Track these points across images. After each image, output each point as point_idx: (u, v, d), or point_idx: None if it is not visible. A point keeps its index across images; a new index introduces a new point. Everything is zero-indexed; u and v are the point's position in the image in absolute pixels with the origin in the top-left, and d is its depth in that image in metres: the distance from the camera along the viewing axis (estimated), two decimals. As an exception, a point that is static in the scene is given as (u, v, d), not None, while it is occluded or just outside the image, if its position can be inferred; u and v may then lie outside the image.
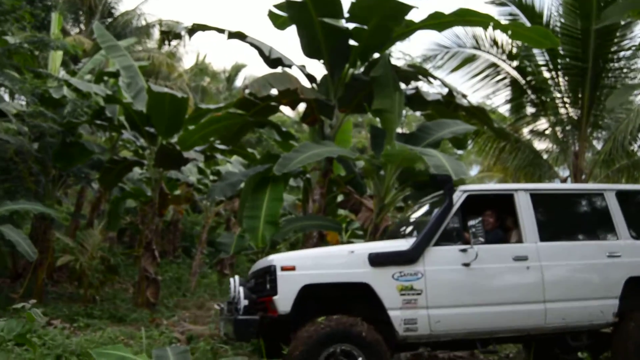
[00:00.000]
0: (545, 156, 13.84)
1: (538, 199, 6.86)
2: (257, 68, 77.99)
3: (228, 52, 69.30)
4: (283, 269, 5.99)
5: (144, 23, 23.89)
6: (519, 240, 6.67)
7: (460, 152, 18.12)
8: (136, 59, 19.10)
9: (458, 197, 6.55)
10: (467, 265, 6.27)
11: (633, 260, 6.79)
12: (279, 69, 10.74)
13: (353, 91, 10.63)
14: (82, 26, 23.60)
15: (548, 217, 6.91)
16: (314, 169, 11.02)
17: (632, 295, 6.71)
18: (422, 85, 12.43)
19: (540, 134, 14.04)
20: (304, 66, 11.09)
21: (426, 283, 6.11)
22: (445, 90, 11.37)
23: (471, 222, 6.32)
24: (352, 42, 10.18)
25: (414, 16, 14.99)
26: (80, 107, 12.74)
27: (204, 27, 10.45)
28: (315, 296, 6.09)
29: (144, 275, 12.44)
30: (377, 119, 10.26)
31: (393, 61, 11.05)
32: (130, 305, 12.42)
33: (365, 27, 9.75)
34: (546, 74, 12.68)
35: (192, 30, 10.47)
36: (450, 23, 10.19)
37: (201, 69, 29.95)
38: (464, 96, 11.36)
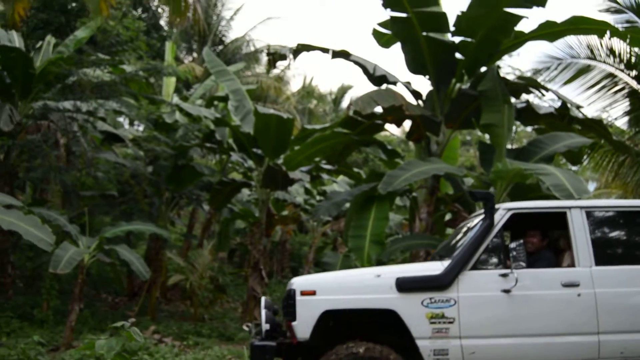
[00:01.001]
0: (669, 171, 12.85)
1: (595, 217, 6.08)
2: (363, 89, 78.14)
3: (335, 74, 69.99)
4: (303, 293, 5.68)
5: (252, 49, 24.58)
6: (572, 264, 5.93)
7: (574, 168, 17.21)
8: (245, 83, 19.61)
9: (501, 216, 5.92)
10: (507, 291, 5.65)
11: None
12: (384, 87, 10.61)
13: (460, 106, 10.33)
14: (195, 54, 24.58)
15: (606, 237, 6.17)
16: (421, 187, 10.75)
17: None
18: (534, 99, 11.92)
19: (663, 148, 13.06)
20: (409, 83, 10.91)
21: (459, 310, 5.59)
22: (558, 103, 10.82)
23: (512, 245, 5.71)
24: (458, 56, 9.91)
25: (523, 27, 14.48)
26: (192, 131, 13.21)
27: (308, 48, 10.51)
28: (341, 322, 5.76)
29: (251, 295, 12.58)
30: (486, 135, 9.89)
31: (502, 75, 10.66)
32: (239, 324, 12.58)
33: (472, 40, 9.46)
34: (669, 83, 11.82)
35: (297, 51, 10.55)
36: (563, 32, 9.70)
37: (308, 91, 30.39)
38: (579, 108, 10.75)
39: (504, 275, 5.68)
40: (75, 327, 10.15)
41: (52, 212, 10.85)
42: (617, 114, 13.28)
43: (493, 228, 5.83)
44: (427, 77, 10.35)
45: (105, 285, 15.62)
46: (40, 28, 18.13)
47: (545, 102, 13.94)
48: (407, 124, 11.16)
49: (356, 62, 10.59)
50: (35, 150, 12.03)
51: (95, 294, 14.71)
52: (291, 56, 10.63)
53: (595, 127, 10.78)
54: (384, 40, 11.23)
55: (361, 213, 10.01)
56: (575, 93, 13.86)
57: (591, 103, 12.94)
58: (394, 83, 10.62)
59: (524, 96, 11.23)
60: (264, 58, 24.55)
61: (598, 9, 12.21)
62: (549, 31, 9.52)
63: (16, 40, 13.94)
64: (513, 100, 10.30)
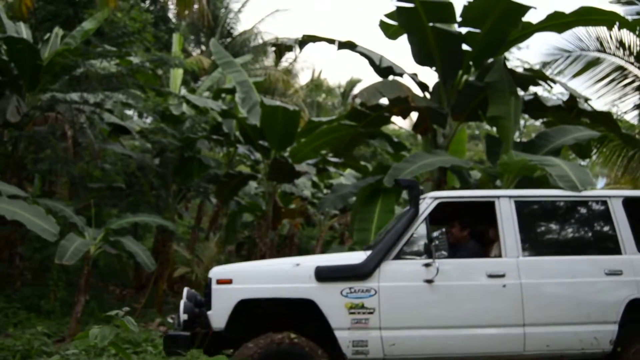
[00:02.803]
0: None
1: (524, 207, 5.93)
2: (371, 82, 77.94)
3: (343, 67, 69.80)
4: (219, 282, 5.51)
5: (260, 42, 24.53)
6: (499, 255, 5.77)
7: (583, 162, 17.06)
8: (253, 76, 19.58)
9: (427, 205, 5.78)
10: (429, 282, 5.50)
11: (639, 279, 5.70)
12: (390, 78, 10.55)
13: (467, 98, 10.24)
14: (203, 47, 24.56)
15: (535, 228, 5.97)
16: (427, 180, 10.70)
17: (635, 320, 5.68)
18: (542, 92, 11.82)
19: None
20: (415, 74, 10.83)
21: (380, 301, 5.43)
22: (566, 97, 10.71)
23: (435, 234, 5.53)
24: (465, 47, 9.82)
25: (531, 17, 14.36)
26: (198, 123, 13.19)
27: (314, 39, 10.45)
28: (261, 313, 5.61)
29: (258, 288, 12.55)
30: (493, 128, 9.80)
31: (509, 66, 10.56)
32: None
33: (479, 30, 9.36)
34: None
35: (303, 42, 10.49)
36: (571, 24, 9.60)
37: (317, 85, 30.32)
38: (587, 101, 10.64)
39: (427, 265, 5.54)
40: (82, 318, 10.17)
41: (58, 204, 10.86)
42: (626, 108, 13.12)
43: (418, 217, 5.71)
44: (434, 68, 10.26)
45: (113, 277, 15.65)
46: (48, 20, 18.16)
47: (553, 95, 13.84)
48: (415, 116, 11.10)
49: (362, 54, 10.52)
50: (42, 142, 12.05)
51: (103, 286, 14.74)
52: (297, 47, 10.58)
53: (604, 120, 10.67)
54: (390, 32, 11.15)
55: (367, 206, 9.96)
56: (584, 86, 13.66)
57: (600, 96, 12.85)
58: (400, 74, 10.55)
59: (532, 89, 11.13)
60: (272, 51, 24.62)
61: (609, 0, 12.09)
62: (558, 22, 9.42)
63: (24, 31, 13.96)
64: (520, 92, 10.20)
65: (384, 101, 9.85)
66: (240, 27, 25.46)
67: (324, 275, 5.48)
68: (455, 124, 10.58)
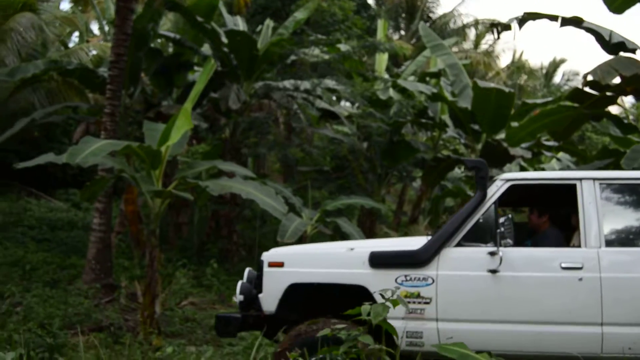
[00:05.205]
0: None
1: (610, 191, 5.16)
2: (577, 63, 73.61)
3: (545, 48, 66.24)
4: (270, 264, 5.29)
5: (460, 24, 24.02)
6: (578, 245, 5.06)
7: None
8: (454, 59, 19.22)
9: (497, 188, 5.12)
10: (494, 272, 4.91)
11: None
12: (622, 55, 9.73)
13: None
14: (402, 32, 24.57)
15: (621, 215, 5.18)
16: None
17: None
18: None
19: None
20: (650, 49, 9.90)
21: (437, 290, 4.95)
22: None
23: (501, 220, 4.96)
24: None
25: None
26: (406, 107, 13.20)
27: (535, 16, 9.92)
28: (314, 297, 5.29)
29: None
30: None
31: None
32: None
33: None
34: None
35: (523, 20, 10.00)
36: None
37: (518, 67, 29.12)
38: None
39: (492, 254, 4.95)
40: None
41: (277, 185, 11.43)
42: None
43: (485, 201, 5.07)
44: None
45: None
46: (259, 13, 19.26)
47: None
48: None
49: (589, 29, 9.79)
50: (262, 127, 12.74)
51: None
52: (517, 26, 10.11)
53: None
54: (616, 5, 10.27)
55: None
56: None
57: None
58: (633, 50, 9.69)
59: None
60: (472, 34, 24.03)
61: None
62: None
63: (240, 24, 14.87)
64: None
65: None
66: (439, 11, 25.13)
67: (378, 261, 5.13)
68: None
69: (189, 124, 8.28)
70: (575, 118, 10.49)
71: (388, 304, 3.75)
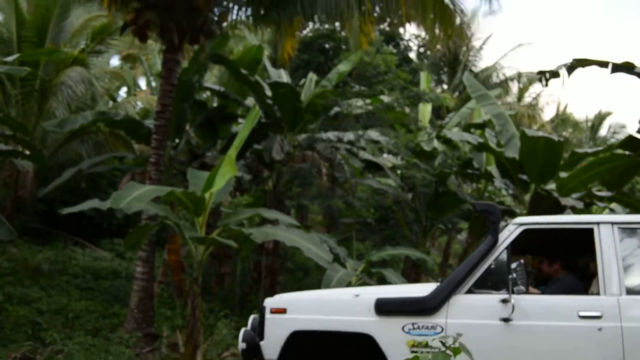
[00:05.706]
0: None
1: (630, 235, 4.90)
2: (623, 115, 72.84)
3: (589, 101, 65.66)
4: (272, 311, 5.14)
5: (503, 77, 23.99)
6: (597, 292, 4.78)
7: None
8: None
9: (510, 232, 4.92)
10: (506, 320, 4.68)
11: None
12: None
13: None
14: (444, 85, 24.62)
15: None
16: None
17: None
18: None
19: None
20: None
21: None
22: None
23: (513, 265, 4.74)
24: None
25: None
26: (451, 158, 13.05)
27: (584, 62, 9.77)
28: (318, 345, 5.10)
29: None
30: None
31: None
32: None
33: None
34: None
35: (572, 67, 9.85)
36: None
37: (563, 119, 28.83)
38: None
39: (505, 302, 4.72)
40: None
41: (321, 235, 11.29)
42: None
43: (496, 246, 4.86)
44: None
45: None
46: (301, 67, 19.57)
47: None
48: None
49: (641, 76, 9.59)
50: (305, 178, 12.71)
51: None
52: (565, 73, 9.95)
53: None
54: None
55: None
56: None
57: None
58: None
59: None
60: (515, 86, 23.92)
61: None
62: None
63: (284, 77, 15.08)
64: None
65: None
66: (481, 64, 25.19)
67: (384, 308, 4.93)
68: None
69: (233, 170, 8.26)
70: (629, 166, 10.20)
71: (449, 352, 3.53)
